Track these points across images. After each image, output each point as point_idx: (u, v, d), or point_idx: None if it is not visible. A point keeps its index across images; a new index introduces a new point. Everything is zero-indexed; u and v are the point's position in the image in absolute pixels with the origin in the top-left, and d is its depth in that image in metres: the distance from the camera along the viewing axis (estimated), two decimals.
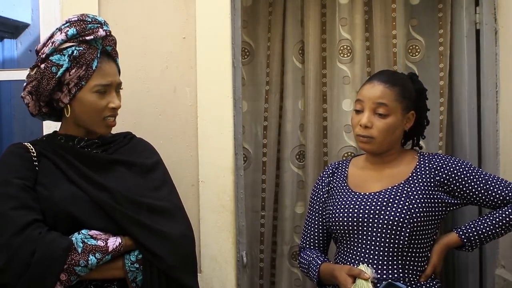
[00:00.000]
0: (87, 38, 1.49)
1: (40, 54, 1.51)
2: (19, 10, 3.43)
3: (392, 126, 1.71)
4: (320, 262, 1.77)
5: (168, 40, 2.01)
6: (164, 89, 2.01)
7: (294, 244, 2.39)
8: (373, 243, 1.67)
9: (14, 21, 3.41)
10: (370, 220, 1.67)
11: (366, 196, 1.72)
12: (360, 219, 1.69)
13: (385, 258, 1.65)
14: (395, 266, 1.65)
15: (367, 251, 1.67)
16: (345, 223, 1.71)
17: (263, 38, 2.38)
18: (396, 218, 1.64)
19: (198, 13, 2.00)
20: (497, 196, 1.69)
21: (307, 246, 1.87)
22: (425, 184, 1.70)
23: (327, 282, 1.74)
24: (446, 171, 1.71)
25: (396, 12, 2.29)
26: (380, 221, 1.66)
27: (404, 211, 1.65)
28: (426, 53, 2.32)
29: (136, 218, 1.47)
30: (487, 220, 1.70)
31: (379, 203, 1.68)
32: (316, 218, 1.85)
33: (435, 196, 1.69)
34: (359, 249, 1.69)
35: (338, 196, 1.78)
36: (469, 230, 1.71)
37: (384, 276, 1.64)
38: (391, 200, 1.68)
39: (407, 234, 1.64)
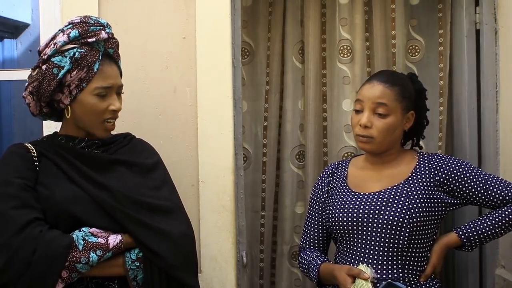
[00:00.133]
0: (89, 40, 1.49)
1: (42, 55, 1.51)
2: (19, 10, 3.43)
3: (391, 126, 1.71)
4: (320, 262, 1.77)
5: (168, 40, 2.01)
6: (164, 89, 2.01)
7: (294, 244, 2.39)
8: (372, 243, 1.67)
9: (14, 21, 3.41)
10: (370, 220, 1.68)
11: (365, 196, 1.72)
12: (360, 219, 1.69)
13: (385, 258, 1.65)
14: (394, 266, 1.65)
15: (367, 251, 1.67)
16: (345, 223, 1.71)
17: (263, 38, 2.38)
18: (396, 218, 1.64)
19: (198, 13, 2.00)
20: (497, 196, 1.69)
21: (307, 246, 1.88)
22: (424, 184, 1.70)
23: (327, 282, 1.74)
24: (445, 171, 1.71)
25: (396, 12, 2.29)
26: (380, 221, 1.66)
27: (403, 211, 1.65)
28: (426, 53, 2.32)
29: (136, 217, 1.47)
30: (487, 220, 1.70)
31: (378, 203, 1.68)
32: (316, 218, 1.86)
33: (434, 196, 1.69)
34: (358, 249, 1.69)
35: (338, 196, 1.78)
36: (469, 230, 1.71)
37: (384, 276, 1.64)
38: (390, 200, 1.68)
39: (406, 234, 1.64)
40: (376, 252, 1.66)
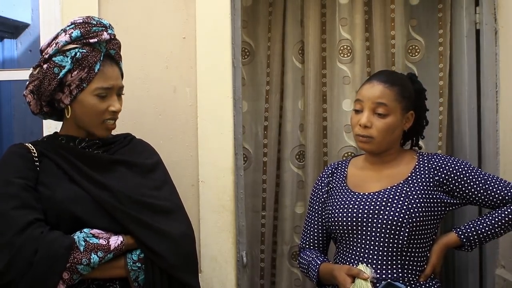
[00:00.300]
0: (91, 40, 1.49)
1: (43, 54, 1.52)
2: (19, 10, 3.43)
3: (391, 126, 1.71)
4: (319, 262, 1.77)
5: (168, 40, 2.01)
6: (164, 89, 2.01)
7: (294, 244, 2.39)
8: (372, 243, 1.67)
9: (14, 21, 3.41)
10: (370, 220, 1.68)
11: (365, 196, 1.72)
12: (360, 219, 1.69)
13: (385, 258, 1.65)
14: (394, 266, 1.65)
15: (367, 251, 1.67)
16: (345, 223, 1.71)
17: (263, 38, 2.38)
18: (395, 218, 1.65)
19: (198, 13, 2.00)
20: (496, 196, 1.69)
21: (307, 246, 1.88)
22: (424, 184, 1.70)
23: (327, 282, 1.74)
24: (445, 171, 1.71)
25: (396, 12, 2.29)
26: (380, 221, 1.66)
27: (403, 211, 1.65)
28: (425, 53, 2.32)
29: (138, 217, 1.47)
30: (486, 220, 1.70)
31: (378, 203, 1.68)
32: (316, 219, 1.86)
33: (434, 196, 1.69)
34: (358, 249, 1.69)
35: (338, 196, 1.78)
36: (468, 230, 1.71)
37: (384, 276, 1.64)
38: (390, 200, 1.68)
39: (406, 234, 1.64)
40: (375, 252, 1.66)
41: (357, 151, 2.28)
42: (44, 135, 1.82)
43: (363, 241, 1.68)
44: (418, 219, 1.65)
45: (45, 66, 1.48)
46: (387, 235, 1.65)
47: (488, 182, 1.70)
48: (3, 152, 1.56)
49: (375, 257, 1.66)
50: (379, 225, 1.66)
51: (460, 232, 1.71)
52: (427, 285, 1.68)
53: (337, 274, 1.64)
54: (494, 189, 1.69)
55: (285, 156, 2.38)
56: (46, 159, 1.52)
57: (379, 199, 1.69)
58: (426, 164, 1.74)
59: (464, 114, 2.20)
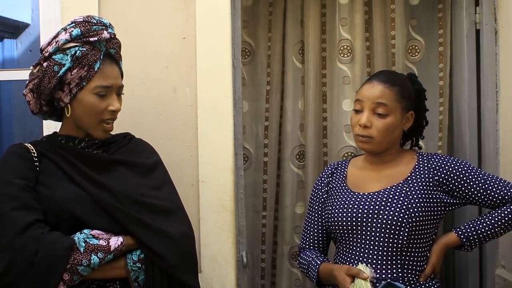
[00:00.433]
0: (91, 39, 1.49)
1: (44, 52, 1.52)
2: (19, 10, 3.43)
3: (391, 126, 1.71)
4: (319, 262, 1.77)
5: (168, 40, 2.01)
6: (164, 89, 2.01)
7: (294, 244, 2.39)
8: (372, 242, 1.67)
9: (14, 21, 3.41)
10: (369, 220, 1.68)
11: (365, 196, 1.72)
12: (359, 219, 1.69)
13: (384, 257, 1.65)
14: (394, 266, 1.65)
15: (366, 250, 1.67)
16: (344, 223, 1.71)
17: (264, 38, 2.38)
18: (395, 218, 1.65)
19: (198, 13, 2.00)
20: (496, 195, 1.69)
21: (307, 246, 1.88)
22: (424, 184, 1.70)
23: (327, 282, 1.74)
24: (445, 171, 1.71)
25: (396, 12, 2.29)
26: (379, 220, 1.66)
27: (402, 211, 1.65)
28: (426, 53, 2.32)
29: (137, 218, 1.47)
30: (486, 219, 1.70)
31: (378, 203, 1.68)
32: (316, 219, 1.86)
33: (434, 196, 1.69)
34: (358, 249, 1.69)
35: (337, 196, 1.78)
36: (468, 230, 1.71)
37: (383, 276, 1.64)
38: (389, 199, 1.68)
39: (406, 234, 1.64)
40: (375, 252, 1.66)
41: (357, 151, 2.28)
42: (44, 135, 1.82)
43: (363, 241, 1.68)
44: (418, 219, 1.65)
45: (45, 64, 1.48)
46: (387, 235, 1.65)
47: (488, 182, 1.70)
48: (3, 152, 1.56)
49: (375, 257, 1.66)
50: (378, 225, 1.66)
51: (460, 232, 1.71)
52: (427, 285, 1.68)
53: (336, 274, 1.64)
54: (494, 189, 1.69)
55: (285, 156, 2.38)
56: (45, 159, 1.52)
57: (378, 199, 1.69)
58: (426, 164, 1.74)
59: (464, 114, 2.20)
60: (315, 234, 1.86)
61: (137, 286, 1.47)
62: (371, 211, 1.68)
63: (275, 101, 2.37)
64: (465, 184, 1.70)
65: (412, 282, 1.66)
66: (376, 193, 1.71)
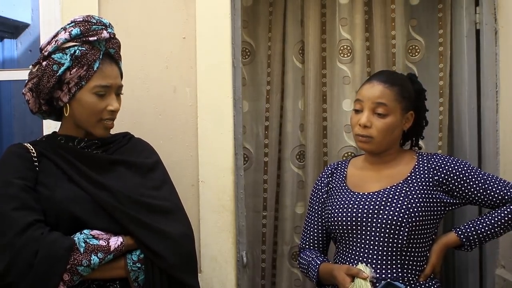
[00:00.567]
0: (91, 39, 1.49)
1: (43, 51, 1.52)
2: (19, 10, 3.43)
3: (391, 126, 1.71)
4: (319, 262, 1.77)
5: (168, 40, 2.01)
6: (164, 89, 2.01)
7: (294, 245, 2.39)
8: (372, 242, 1.67)
9: (14, 21, 3.41)
10: (369, 219, 1.68)
11: (365, 196, 1.72)
12: (359, 219, 1.69)
13: (384, 257, 1.65)
14: (394, 266, 1.65)
15: (366, 250, 1.67)
16: (344, 223, 1.71)
17: (264, 38, 2.38)
18: (395, 218, 1.65)
19: (198, 13, 2.00)
20: (496, 195, 1.69)
21: (307, 246, 1.88)
22: (423, 183, 1.70)
23: (327, 282, 1.74)
24: (444, 171, 1.71)
25: (396, 12, 2.29)
26: (379, 220, 1.66)
27: (402, 211, 1.65)
28: (426, 53, 2.32)
29: (137, 217, 1.47)
30: (486, 219, 1.70)
31: (377, 203, 1.68)
32: (316, 219, 1.86)
33: (433, 196, 1.69)
34: (358, 249, 1.69)
35: (337, 196, 1.78)
36: (468, 230, 1.71)
37: (383, 276, 1.64)
38: (389, 199, 1.68)
39: (405, 234, 1.64)
40: (375, 252, 1.66)
41: (357, 151, 2.28)
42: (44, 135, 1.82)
43: (363, 241, 1.68)
44: (417, 218, 1.65)
45: (44, 63, 1.48)
46: (386, 235, 1.65)
47: (488, 182, 1.70)
48: (3, 152, 1.56)
49: (374, 256, 1.66)
50: (378, 225, 1.66)
51: (460, 232, 1.71)
52: (427, 285, 1.68)
53: (336, 274, 1.64)
54: (494, 189, 1.69)
55: (286, 156, 2.38)
56: (45, 159, 1.52)
57: (378, 199, 1.69)
58: (425, 164, 1.74)
59: (464, 114, 2.20)
60: (315, 234, 1.86)
61: (137, 286, 1.47)
62: (371, 211, 1.68)
63: (275, 101, 2.37)
64: (465, 184, 1.70)
65: (412, 282, 1.66)
66: (376, 193, 1.71)
